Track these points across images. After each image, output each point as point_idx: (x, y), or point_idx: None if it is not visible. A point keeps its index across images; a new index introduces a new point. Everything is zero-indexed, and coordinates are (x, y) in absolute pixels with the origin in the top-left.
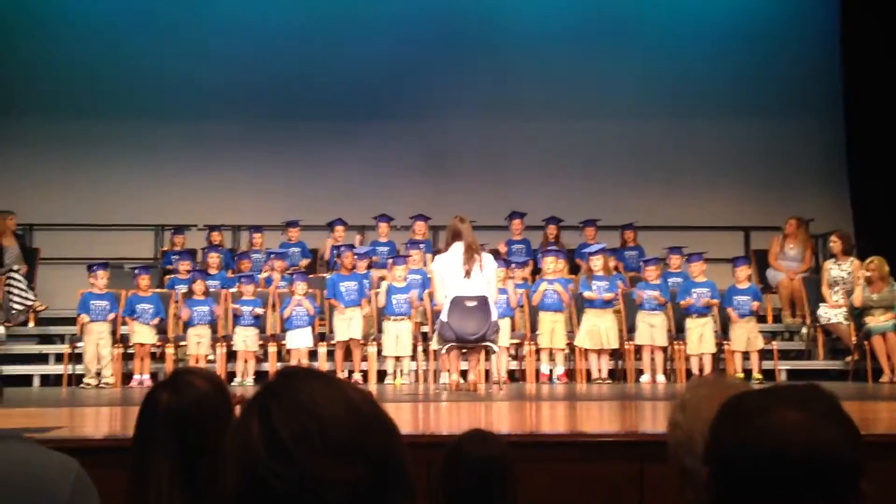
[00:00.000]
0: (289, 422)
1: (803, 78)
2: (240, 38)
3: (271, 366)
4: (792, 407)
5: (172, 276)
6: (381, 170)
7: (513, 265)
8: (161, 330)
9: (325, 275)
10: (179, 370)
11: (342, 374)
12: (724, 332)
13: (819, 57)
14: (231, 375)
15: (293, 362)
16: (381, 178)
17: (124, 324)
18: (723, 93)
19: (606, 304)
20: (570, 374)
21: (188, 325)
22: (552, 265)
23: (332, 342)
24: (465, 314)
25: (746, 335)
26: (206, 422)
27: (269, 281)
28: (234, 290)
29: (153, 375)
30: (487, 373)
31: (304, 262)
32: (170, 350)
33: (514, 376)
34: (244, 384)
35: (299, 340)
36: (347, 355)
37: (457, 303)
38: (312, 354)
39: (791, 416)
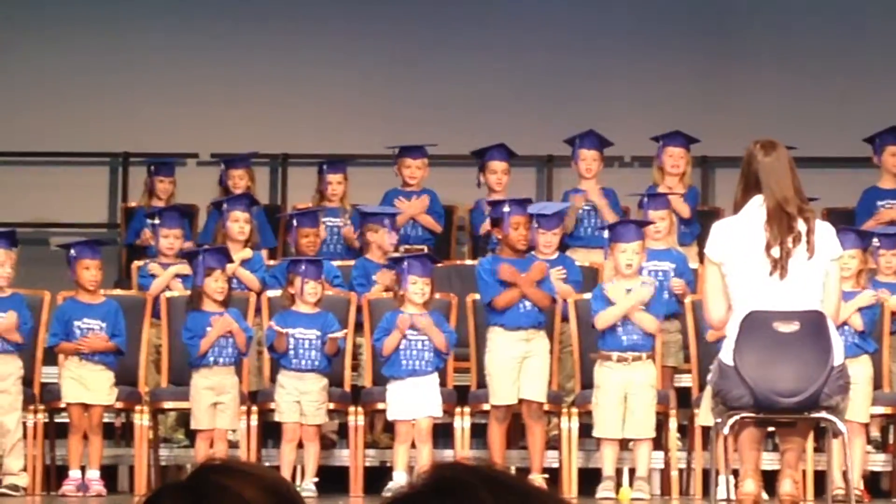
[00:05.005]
0: None
1: None
2: None
3: (353, 453)
4: None
5: (146, 260)
6: (590, 34)
7: (877, 242)
8: (125, 377)
9: (468, 261)
10: (209, 467)
11: (509, 469)
12: None
13: None
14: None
15: (400, 444)
16: (586, 48)
17: (50, 363)
18: None
19: None
20: None
21: (195, 364)
22: None
23: (484, 405)
24: (776, 350)
25: None
26: None
27: (363, 275)
28: (277, 292)
29: (106, 472)
30: (822, 477)
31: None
32: (142, 419)
33: (878, 487)
34: (301, 491)
35: (412, 403)
36: (513, 431)
37: (756, 325)
38: (442, 429)
39: None
